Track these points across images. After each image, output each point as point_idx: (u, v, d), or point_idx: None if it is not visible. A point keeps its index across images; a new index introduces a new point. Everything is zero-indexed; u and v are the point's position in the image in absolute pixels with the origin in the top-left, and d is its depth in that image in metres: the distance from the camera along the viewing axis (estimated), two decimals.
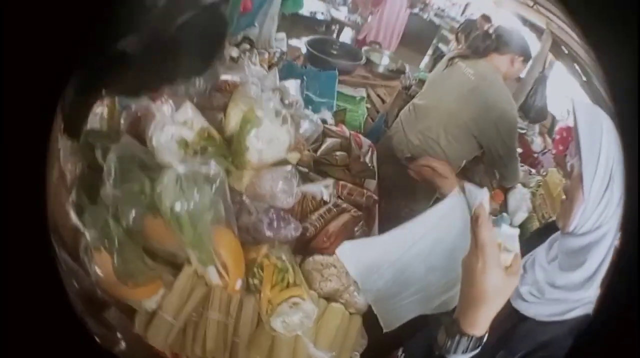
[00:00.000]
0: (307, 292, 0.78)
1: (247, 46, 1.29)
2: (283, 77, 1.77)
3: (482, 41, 1.60)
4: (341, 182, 1.16)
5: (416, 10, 3.19)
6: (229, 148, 0.82)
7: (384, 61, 2.42)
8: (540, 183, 2.14)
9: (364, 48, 2.40)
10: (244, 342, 0.77)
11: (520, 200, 1.97)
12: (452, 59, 1.65)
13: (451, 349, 0.65)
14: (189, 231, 0.66)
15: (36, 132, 0.58)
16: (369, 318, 0.90)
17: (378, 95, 2.27)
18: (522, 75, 2.02)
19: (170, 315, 0.74)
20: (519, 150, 2.70)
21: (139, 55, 0.60)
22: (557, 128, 2.82)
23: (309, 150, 1.10)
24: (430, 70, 3.42)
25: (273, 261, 0.79)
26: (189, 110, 0.79)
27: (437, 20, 3.14)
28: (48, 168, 0.60)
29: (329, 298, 0.89)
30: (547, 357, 0.74)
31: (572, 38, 1.54)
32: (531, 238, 0.89)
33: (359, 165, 1.27)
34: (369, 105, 2.21)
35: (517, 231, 0.71)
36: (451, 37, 3.06)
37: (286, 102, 0.98)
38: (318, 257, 0.89)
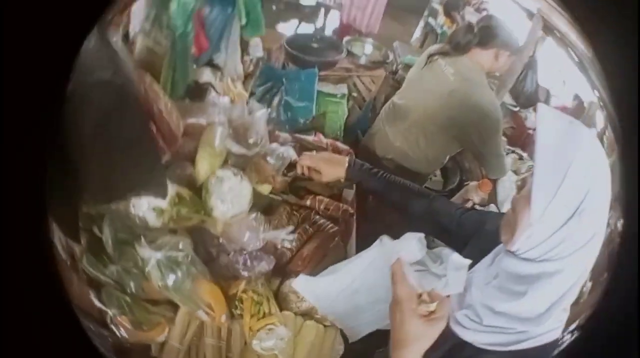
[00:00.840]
0: (279, 319, 0.96)
1: (213, 75, 1.39)
2: (262, 81, 1.88)
3: (463, 36, 1.60)
4: (318, 197, 1.30)
5: None
6: (200, 198, 0.98)
7: (366, 50, 2.48)
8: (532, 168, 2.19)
9: (345, 39, 2.44)
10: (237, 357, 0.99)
11: (509, 188, 1.97)
12: (431, 55, 1.66)
13: None
14: (175, 295, 0.86)
15: (36, 132, 0.67)
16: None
17: (363, 84, 2.32)
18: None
19: (176, 342, 0.95)
20: (512, 127, 2.77)
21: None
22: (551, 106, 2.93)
23: (284, 174, 1.20)
24: (422, 45, 3.50)
25: (250, 295, 0.97)
26: None
27: None
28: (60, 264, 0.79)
29: (306, 315, 1.06)
30: None
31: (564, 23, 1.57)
32: (484, 240, 0.87)
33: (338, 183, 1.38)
34: (355, 94, 2.30)
35: (464, 266, 0.72)
36: (440, 10, 3.16)
37: (251, 141, 1.08)
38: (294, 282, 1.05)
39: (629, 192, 0.78)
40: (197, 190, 0.99)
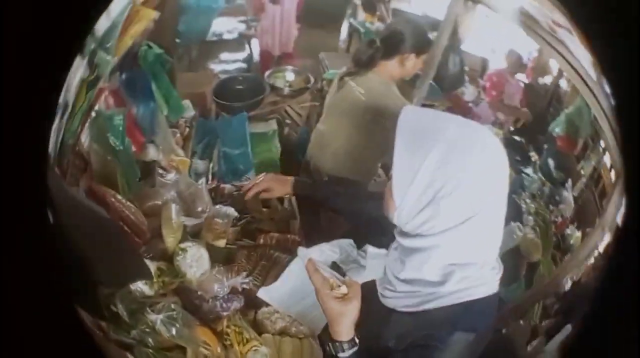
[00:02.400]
0: (260, 341, 1.43)
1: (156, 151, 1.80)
2: (199, 139, 2.29)
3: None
4: (269, 235, 1.77)
5: None
6: (173, 266, 1.47)
7: (288, 79, 2.82)
8: None
9: (266, 73, 2.78)
10: None
11: None
12: (341, 78, 1.94)
13: (334, 351, 0.99)
14: (181, 341, 1.31)
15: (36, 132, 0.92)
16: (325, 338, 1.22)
17: (294, 110, 2.69)
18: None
19: None
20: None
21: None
22: (485, 75, 3.03)
23: (234, 224, 1.68)
24: (348, 49, 3.81)
25: (233, 328, 1.45)
26: None
27: None
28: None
29: (282, 333, 1.51)
30: (427, 345, 0.96)
31: None
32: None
33: (279, 213, 1.87)
34: (289, 121, 2.65)
35: (381, 255, 1.08)
36: (360, 8, 3.32)
37: (199, 209, 1.58)
38: (264, 309, 1.52)
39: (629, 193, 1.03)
40: (169, 259, 1.49)
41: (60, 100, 1.25)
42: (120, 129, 1.54)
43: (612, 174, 1.82)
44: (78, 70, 1.32)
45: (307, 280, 1.05)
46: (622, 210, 1.55)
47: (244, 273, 1.54)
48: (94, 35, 1.36)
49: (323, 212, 1.66)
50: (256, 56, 3.48)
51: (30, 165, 1.06)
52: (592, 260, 1.76)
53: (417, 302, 1.00)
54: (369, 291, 1.07)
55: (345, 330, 0.99)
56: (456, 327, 0.97)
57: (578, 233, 2.38)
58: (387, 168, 2.36)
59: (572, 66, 1.82)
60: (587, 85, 1.77)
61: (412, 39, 1.86)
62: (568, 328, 1.52)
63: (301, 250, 1.12)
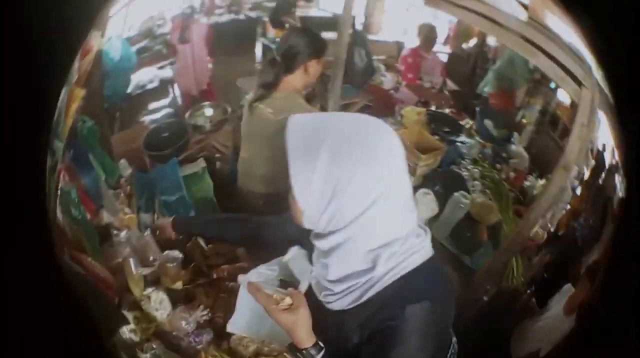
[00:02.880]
0: None
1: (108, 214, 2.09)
2: (140, 193, 2.52)
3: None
4: (220, 268, 2.03)
5: (225, 17, 3.52)
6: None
7: (207, 114, 3.08)
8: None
9: (186, 115, 3.05)
10: None
11: None
12: (251, 104, 2.12)
13: None
14: None
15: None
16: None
17: (220, 143, 2.94)
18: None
19: None
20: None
21: None
22: (400, 58, 3.38)
23: (185, 266, 1.97)
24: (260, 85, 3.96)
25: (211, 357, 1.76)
26: None
27: (253, 14, 3.59)
28: None
29: (258, 354, 1.62)
30: (386, 327, 1.04)
31: None
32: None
33: (224, 246, 2.11)
34: (218, 154, 2.89)
35: (297, 259, 1.20)
36: (268, 25, 3.63)
37: (151, 258, 1.89)
38: (234, 336, 1.66)
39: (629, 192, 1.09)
40: (141, 307, 1.83)
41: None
42: (76, 200, 1.86)
43: (571, 109, 1.84)
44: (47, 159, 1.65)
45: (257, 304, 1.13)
46: (605, 140, 1.61)
47: (201, 307, 1.84)
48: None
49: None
50: (179, 99, 3.73)
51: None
52: (565, 204, 1.85)
53: (358, 294, 1.08)
54: (316, 303, 1.16)
55: (304, 336, 1.08)
56: (405, 301, 1.03)
57: (541, 182, 2.61)
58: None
59: (495, 21, 1.89)
60: (511, 31, 1.86)
61: (308, 47, 2.01)
62: (568, 288, 1.62)
63: (240, 277, 1.26)
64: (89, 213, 2.02)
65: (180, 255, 1.88)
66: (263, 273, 1.30)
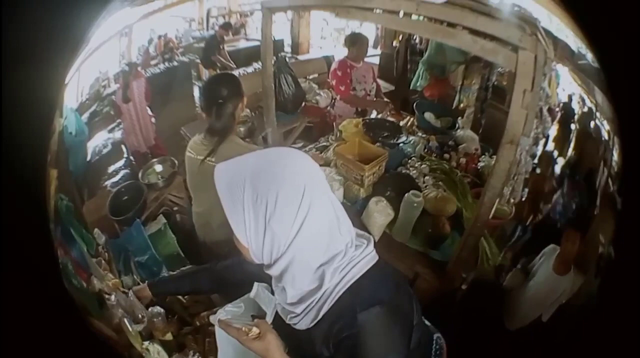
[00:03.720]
0: None
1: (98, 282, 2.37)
2: (117, 258, 2.86)
3: (216, 129, 2.35)
4: (200, 315, 2.28)
5: (160, 66, 4.03)
6: None
7: (158, 170, 3.46)
8: (334, 149, 2.97)
9: (140, 174, 3.39)
10: None
11: (331, 179, 2.74)
12: (202, 161, 2.34)
13: None
14: None
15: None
16: None
17: (175, 196, 3.32)
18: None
19: None
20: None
21: None
22: (330, 72, 3.74)
23: (170, 318, 2.28)
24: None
25: None
26: None
27: (185, 59, 3.93)
28: None
29: None
30: (347, 336, 1.20)
31: None
32: None
33: (201, 296, 2.43)
34: (176, 208, 3.26)
35: (261, 294, 1.38)
36: (201, 67, 4.14)
37: (140, 316, 2.20)
38: None
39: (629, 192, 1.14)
40: None
41: None
42: (72, 271, 2.22)
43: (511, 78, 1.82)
44: None
45: (230, 340, 1.33)
46: (571, 91, 1.68)
47: (192, 353, 2.18)
48: None
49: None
50: (132, 158, 3.94)
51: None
52: (524, 175, 1.97)
53: (315, 312, 1.23)
54: (283, 325, 1.33)
55: None
56: (356, 309, 1.18)
57: (492, 159, 2.92)
58: None
59: (419, 15, 2.11)
60: (432, 20, 2.03)
61: (229, 91, 2.32)
62: (552, 248, 1.77)
63: (211, 318, 1.43)
64: (84, 282, 2.37)
65: (162, 310, 2.13)
66: (230, 311, 1.46)
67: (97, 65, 3.32)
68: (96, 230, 2.81)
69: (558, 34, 1.71)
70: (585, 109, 1.78)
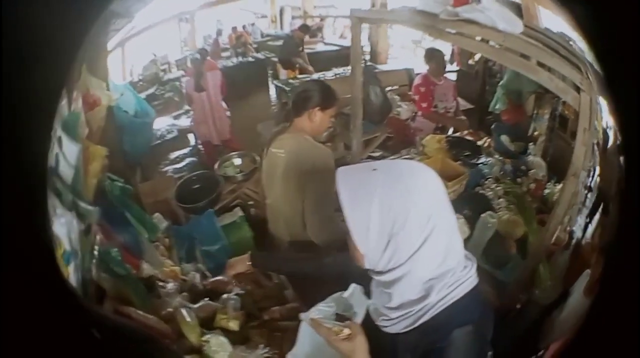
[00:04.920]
0: None
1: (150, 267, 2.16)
2: (180, 245, 2.60)
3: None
4: (271, 309, 2.05)
5: (234, 59, 3.81)
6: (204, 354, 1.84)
7: (237, 163, 3.22)
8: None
9: (216, 165, 3.16)
10: None
11: None
12: (267, 148, 2.26)
13: None
14: None
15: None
16: None
17: (252, 190, 3.05)
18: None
19: None
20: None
21: None
22: (412, 87, 3.55)
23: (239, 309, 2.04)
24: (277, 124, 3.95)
25: None
26: None
27: (261, 55, 3.84)
28: None
29: None
30: (435, 349, 1.15)
31: None
32: None
33: (272, 289, 2.20)
34: (251, 202, 3.00)
35: (356, 294, 1.33)
36: (279, 66, 3.91)
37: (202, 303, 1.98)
38: None
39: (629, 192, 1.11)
40: (198, 351, 1.86)
41: (68, 247, 1.57)
42: (119, 258, 1.92)
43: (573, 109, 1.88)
44: (72, 224, 1.64)
45: (317, 336, 1.29)
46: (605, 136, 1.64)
47: (261, 346, 1.89)
48: (61, 179, 1.61)
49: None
50: (197, 149, 3.75)
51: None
52: (580, 205, 1.89)
53: (412, 320, 1.20)
54: (372, 328, 1.28)
55: None
56: (451, 326, 1.15)
57: (559, 186, 2.73)
58: None
59: (484, 41, 2.08)
60: (508, 50, 1.95)
61: (317, 95, 2.14)
62: (587, 273, 1.66)
63: (302, 315, 1.37)
64: (133, 268, 2.10)
65: (238, 298, 2.04)
66: (322, 310, 1.39)
67: (149, 46, 3.12)
68: (157, 214, 2.58)
69: (594, 64, 1.65)
70: (612, 137, 1.69)
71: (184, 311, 1.95)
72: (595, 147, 1.76)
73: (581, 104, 1.71)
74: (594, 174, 1.83)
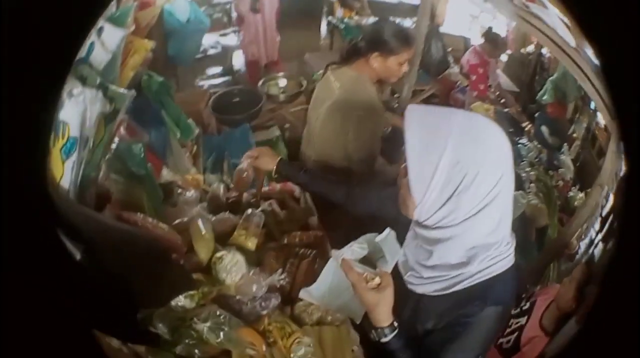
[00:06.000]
0: (301, 332, 1.51)
1: (170, 173, 1.90)
2: (208, 155, 2.43)
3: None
4: (292, 234, 1.86)
5: None
6: (211, 275, 1.57)
7: (281, 85, 3.02)
8: None
9: (260, 83, 2.93)
10: None
11: None
12: (326, 67, 2.08)
13: (377, 337, 1.07)
14: (229, 345, 1.39)
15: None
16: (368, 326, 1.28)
17: (292, 114, 2.83)
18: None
19: None
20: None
21: None
22: (467, 67, 3.45)
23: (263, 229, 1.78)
24: (331, 47, 3.97)
25: (274, 325, 1.52)
26: None
27: None
28: None
29: (320, 323, 1.52)
30: (462, 322, 1.05)
31: None
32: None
33: (298, 213, 1.98)
34: (288, 125, 2.80)
35: (389, 238, 1.11)
36: (336, 4, 3.80)
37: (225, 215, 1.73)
38: (300, 303, 1.60)
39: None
40: (206, 270, 1.60)
41: (76, 134, 1.27)
42: (142, 156, 1.63)
43: (606, 133, 1.93)
44: (94, 104, 1.34)
45: (342, 278, 1.12)
46: (622, 166, 1.55)
47: (279, 271, 1.64)
48: (91, 66, 1.38)
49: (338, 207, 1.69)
50: (239, 67, 3.66)
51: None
52: (596, 220, 1.88)
53: (445, 285, 1.08)
54: (397, 283, 1.12)
55: (384, 316, 1.07)
56: (486, 302, 1.05)
57: (581, 194, 2.74)
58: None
59: (547, 36, 1.93)
60: (565, 52, 1.87)
61: (390, 38, 1.92)
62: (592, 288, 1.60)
63: (334, 252, 1.19)
64: (156, 173, 1.84)
65: (263, 215, 1.80)
66: (355, 251, 1.18)
67: None
68: (190, 120, 2.28)
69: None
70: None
71: (200, 222, 1.66)
72: (616, 178, 1.72)
73: (614, 129, 1.73)
74: (607, 200, 1.81)
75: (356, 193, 1.62)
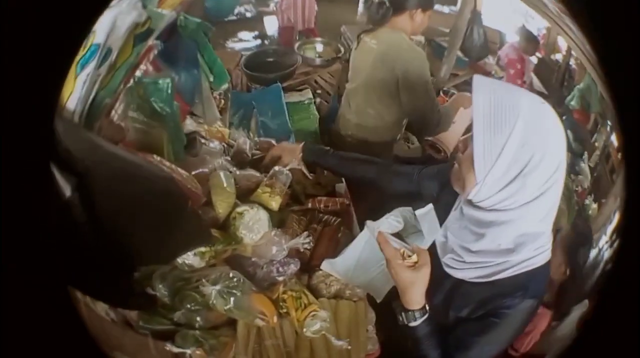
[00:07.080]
0: (318, 305, 1.28)
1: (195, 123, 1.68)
2: (235, 110, 2.19)
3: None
4: (317, 198, 1.63)
5: None
6: (228, 232, 1.32)
7: (319, 50, 2.82)
8: None
9: (297, 44, 2.74)
10: (293, 349, 1.29)
11: None
12: (359, 35, 1.98)
13: (406, 320, 0.98)
14: (238, 313, 1.16)
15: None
16: (371, 298, 1.27)
17: (325, 80, 2.66)
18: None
19: (242, 354, 1.24)
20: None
21: None
22: (505, 60, 3.22)
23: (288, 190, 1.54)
24: (368, 22, 3.77)
25: (289, 294, 1.28)
26: None
27: None
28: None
29: (337, 296, 1.37)
30: (498, 313, 0.96)
31: None
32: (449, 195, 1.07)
33: (325, 177, 1.74)
34: (319, 91, 2.61)
35: (428, 214, 1.03)
36: None
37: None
38: (319, 272, 1.38)
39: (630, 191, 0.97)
40: (222, 226, 1.34)
41: (100, 40, 1.02)
42: (169, 92, 1.37)
43: (619, 154, 1.77)
44: (128, 12, 1.11)
45: (372, 252, 1.06)
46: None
47: (305, 234, 1.40)
48: None
49: None
50: (272, 33, 3.42)
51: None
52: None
53: (488, 272, 0.97)
54: (431, 261, 1.02)
55: (417, 298, 0.97)
56: (527, 294, 0.96)
57: (595, 205, 2.43)
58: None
59: (578, 46, 1.82)
60: (592, 65, 1.72)
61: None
62: (585, 303, 1.40)
63: (370, 224, 1.09)
64: (182, 116, 1.59)
65: (291, 176, 1.55)
66: (392, 224, 1.09)
67: None
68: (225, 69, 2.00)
69: None
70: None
71: (222, 174, 1.42)
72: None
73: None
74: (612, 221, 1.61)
75: (390, 171, 1.49)
